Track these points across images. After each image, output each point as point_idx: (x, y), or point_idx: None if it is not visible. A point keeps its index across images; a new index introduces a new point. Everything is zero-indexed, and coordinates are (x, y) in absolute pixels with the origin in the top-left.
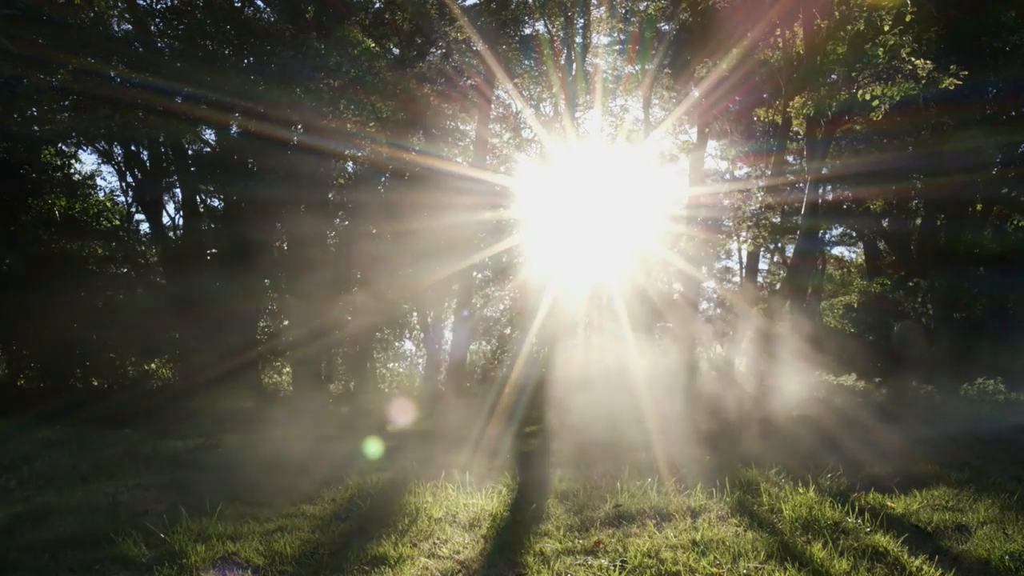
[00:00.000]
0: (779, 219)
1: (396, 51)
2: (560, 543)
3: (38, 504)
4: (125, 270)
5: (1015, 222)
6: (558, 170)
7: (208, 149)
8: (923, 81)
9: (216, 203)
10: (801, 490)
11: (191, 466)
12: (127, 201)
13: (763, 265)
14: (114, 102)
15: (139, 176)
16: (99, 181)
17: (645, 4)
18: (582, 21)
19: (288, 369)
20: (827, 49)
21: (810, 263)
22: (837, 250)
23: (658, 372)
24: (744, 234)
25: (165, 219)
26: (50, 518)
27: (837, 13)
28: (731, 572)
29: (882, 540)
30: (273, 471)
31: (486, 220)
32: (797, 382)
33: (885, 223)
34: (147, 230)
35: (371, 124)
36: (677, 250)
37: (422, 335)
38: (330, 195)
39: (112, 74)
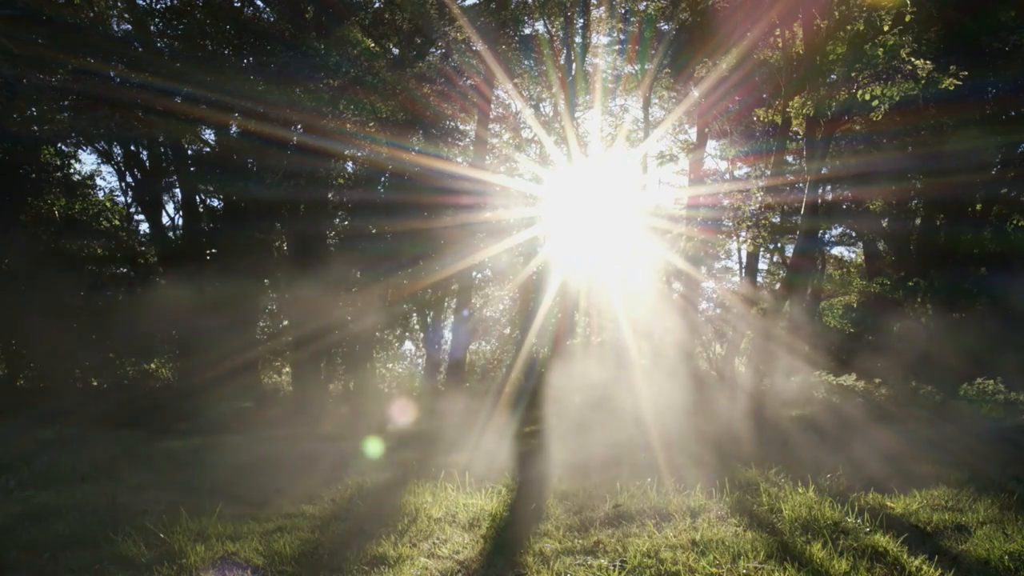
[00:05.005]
0: (779, 219)
1: (396, 51)
2: (560, 543)
3: (38, 504)
4: (125, 270)
5: (1015, 222)
6: (558, 170)
7: (208, 149)
8: (923, 81)
9: (216, 203)
10: (800, 490)
11: (191, 466)
12: (127, 201)
13: (763, 265)
14: (114, 102)
15: (139, 176)
16: (99, 181)
17: (645, 4)
18: (582, 21)
19: (288, 369)
20: (827, 49)
21: (810, 263)
22: (837, 250)
23: (658, 372)
24: (744, 234)
25: (165, 219)
26: (50, 518)
27: (837, 13)
28: (731, 572)
29: (882, 540)
30: (273, 471)
31: (486, 220)
32: (797, 382)
33: (885, 223)
34: (147, 230)
35: (371, 124)
36: (677, 250)
37: (422, 335)
38: (330, 195)
39: (112, 74)
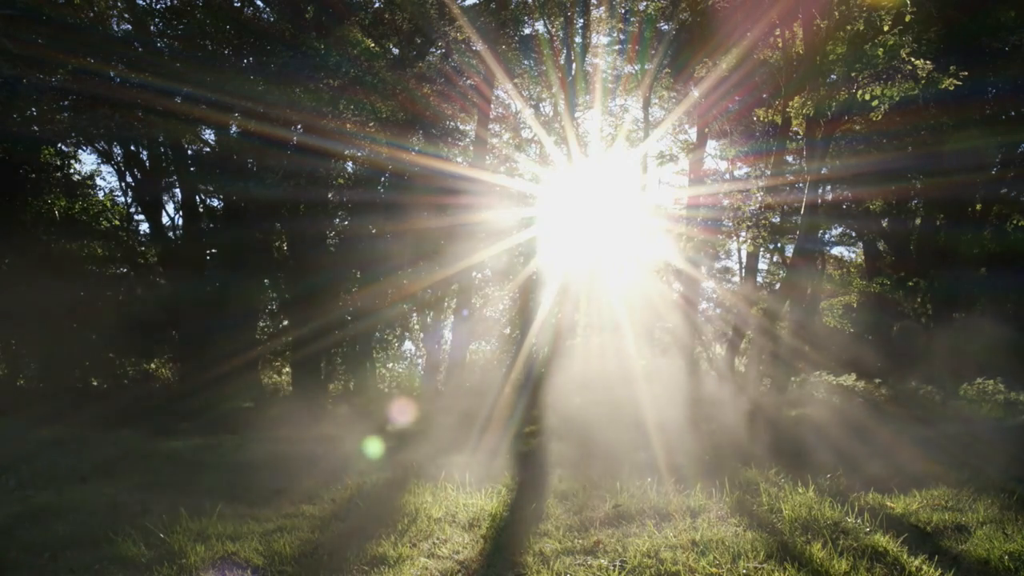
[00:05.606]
0: (779, 219)
1: (396, 51)
2: (560, 543)
3: (38, 504)
4: (125, 270)
5: (1015, 222)
6: (558, 170)
7: (208, 149)
8: (923, 81)
9: (216, 203)
10: (800, 490)
11: (191, 466)
12: (127, 201)
13: (763, 265)
14: (114, 102)
15: (139, 176)
16: (99, 181)
17: (645, 4)
18: (582, 21)
19: (288, 369)
20: (827, 49)
21: (810, 263)
22: (837, 250)
23: (658, 372)
24: (744, 234)
25: (165, 219)
26: (50, 518)
27: (837, 13)
28: (730, 572)
29: (881, 540)
30: (273, 471)
31: (486, 220)
32: (797, 382)
33: (885, 223)
34: (147, 230)
35: (371, 124)
36: (677, 250)
37: (422, 335)
38: (330, 195)
39: (112, 74)
